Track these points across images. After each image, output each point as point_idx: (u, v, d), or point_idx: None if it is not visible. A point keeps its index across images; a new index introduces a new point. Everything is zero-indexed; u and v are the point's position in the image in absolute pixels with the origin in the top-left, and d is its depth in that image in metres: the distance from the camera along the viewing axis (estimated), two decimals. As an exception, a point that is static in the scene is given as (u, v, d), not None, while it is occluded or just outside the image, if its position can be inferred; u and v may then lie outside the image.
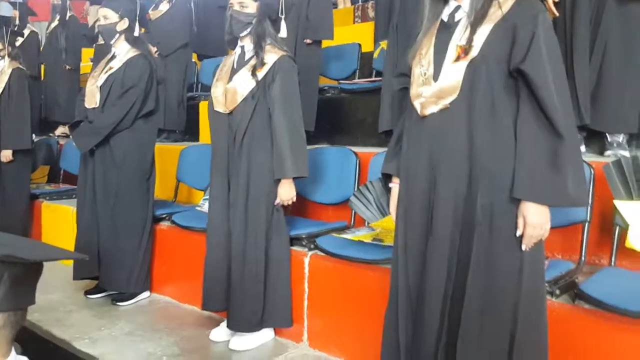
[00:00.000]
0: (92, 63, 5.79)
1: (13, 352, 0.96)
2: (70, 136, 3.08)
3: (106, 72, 2.89)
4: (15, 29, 6.01)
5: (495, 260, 1.55)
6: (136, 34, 2.94)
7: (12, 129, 3.84)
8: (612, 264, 2.01)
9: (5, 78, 3.86)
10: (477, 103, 1.58)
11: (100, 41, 5.49)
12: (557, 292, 1.82)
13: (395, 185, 1.84)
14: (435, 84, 1.63)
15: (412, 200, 1.71)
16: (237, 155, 2.38)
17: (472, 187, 1.58)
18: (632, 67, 2.64)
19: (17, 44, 4.43)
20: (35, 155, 4.36)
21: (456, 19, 1.66)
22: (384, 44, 3.98)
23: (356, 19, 6.53)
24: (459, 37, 1.62)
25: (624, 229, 1.94)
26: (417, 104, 1.68)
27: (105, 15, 2.87)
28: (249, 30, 2.40)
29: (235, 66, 2.45)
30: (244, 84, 2.37)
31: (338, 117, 3.95)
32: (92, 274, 2.97)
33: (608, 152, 2.61)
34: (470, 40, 1.59)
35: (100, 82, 2.87)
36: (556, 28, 2.67)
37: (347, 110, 3.96)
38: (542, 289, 1.63)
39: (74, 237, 3.20)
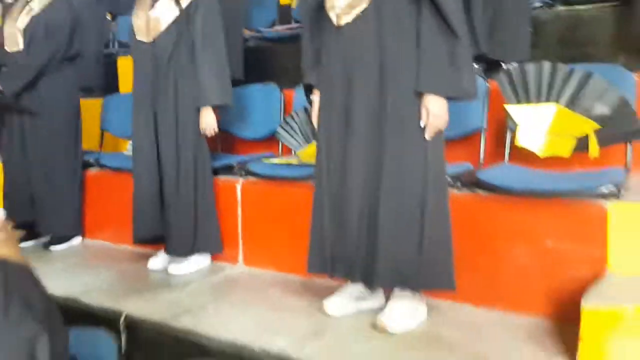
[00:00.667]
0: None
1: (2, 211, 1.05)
2: None
3: (27, 14, 2.84)
4: None
5: (405, 149, 1.78)
6: None
7: None
8: (505, 162, 2.31)
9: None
10: (385, 11, 1.78)
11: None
12: (459, 184, 2.09)
13: (316, 96, 2.02)
14: (347, -4, 1.81)
15: (331, 105, 1.90)
16: (163, 85, 2.45)
17: (383, 87, 1.79)
18: (524, 1, 2.95)
19: None
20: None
21: None
22: (301, -8, 4.12)
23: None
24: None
25: (515, 132, 2.24)
26: (332, 15, 1.85)
27: None
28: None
29: (156, -5, 2.50)
30: (167, 12, 2.44)
31: (261, 65, 4.05)
32: (25, 218, 2.95)
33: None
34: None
35: (22, 24, 2.82)
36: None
37: (270, 58, 4.07)
38: (444, 175, 1.87)
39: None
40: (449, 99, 1.77)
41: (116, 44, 5.37)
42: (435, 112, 1.74)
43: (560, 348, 1.68)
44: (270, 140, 3.07)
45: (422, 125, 1.76)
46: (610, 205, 1.79)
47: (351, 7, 1.80)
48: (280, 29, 4.31)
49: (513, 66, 2.94)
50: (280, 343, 1.76)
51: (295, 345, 1.75)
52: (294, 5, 4.45)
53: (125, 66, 4.60)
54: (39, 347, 0.89)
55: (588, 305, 1.54)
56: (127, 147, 3.35)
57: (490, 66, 3.03)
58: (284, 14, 4.61)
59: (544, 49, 3.07)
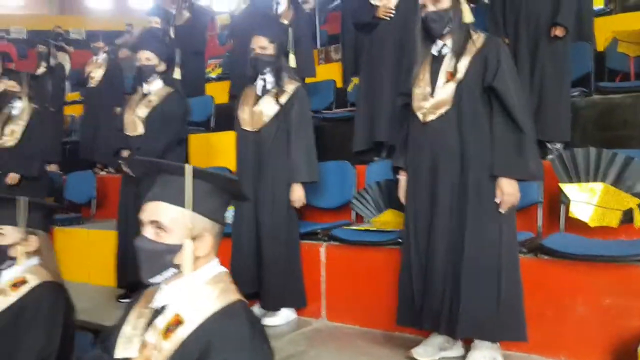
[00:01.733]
0: (83, 104, 6.18)
1: (216, 259, 1.45)
2: (121, 163, 3.47)
3: (146, 105, 3.40)
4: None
5: (483, 221, 2.19)
6: (178, 76, 3.48)
7: (25, 159, 4.27)
8: (561, 231, 2.69)
9: (26, 117, 4.30)
10: (464, 112, 2.24)
11: (91, 84, 5.95)
12: (524, 250, 2.46)
13: (403, 176, 2.46)
14: (432, 99, 2.28)
15: (419, 185, 2.33)
16: (264, 164, 2.94)
17: (464, 171, 2.23)
18: (564, 90, 3.43)
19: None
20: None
21: (443, 53, 2.33)
22: (355, 80, 4.69)
23: (320, 61, 7.24)
24: (446, 65, 2.29)
25: (568, 205, 2.63)
26: (419, 114, 2.32)
27: (148, 57, 3.39)
28: (270, 67, 3.00)
29: (259, 94, 3.03)
30: (268, 107, 2.95)
31: (322, 142, 4.54)
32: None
33: (550, 157, 3.34)
34: (455, 68, 2.26)
35: (143, 114, 3.37)
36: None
37: (328, 136, 4.57)
38: (516, 242, 2.27)
39: (88, 258, 3.68)
40: (519, 180, 2.19)
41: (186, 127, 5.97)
42: (507, 191, 2.16)
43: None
44: (342, 209, 3.50)
45: (497, 201, 2.18)
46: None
47: (435, 109, 2.27)
48: (339, 110, 4.86)
49: (556, 146, 3.40)
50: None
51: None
52: (349, 89, 5.00)
53: (194, 144, 5.15)
54: None
55: (645, 350, 1.88)
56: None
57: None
58: (340, 97, 5.17)
59: (583, 132, 3.52)
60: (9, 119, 4.42)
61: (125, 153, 3.44)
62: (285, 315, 2.97)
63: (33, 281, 1.98)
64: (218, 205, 1.41)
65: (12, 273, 2.01)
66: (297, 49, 4.32)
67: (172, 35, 5.70)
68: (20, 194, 4.10)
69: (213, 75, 7.44)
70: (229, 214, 3.60)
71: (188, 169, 1.35)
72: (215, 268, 1.43)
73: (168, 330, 1.33)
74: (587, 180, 2.60)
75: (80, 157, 5.78)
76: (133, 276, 3.36)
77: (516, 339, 2.23)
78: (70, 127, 7.03)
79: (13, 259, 2.04)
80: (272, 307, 2.93)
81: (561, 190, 2.65)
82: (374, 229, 2.99)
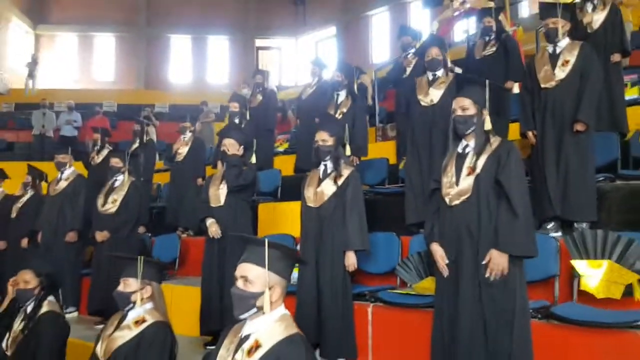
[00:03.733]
0: (170, 174, 7.10)
1: (283, 304, 2.07)
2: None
3: (225, 182, 4.19)
4: (97, 148, 7.41)
5: (498, 290, 2.68)
6: (253, 161, 4.29)
7: (119, 223, 5.18)
8: (574, 300, 3.11)
9: (125, 188, 5.21)
10: (481, 199, 2.80)
11: (177, 159, 6.86)
12: (538, 315, 2.92)
13: (435, 245, 2.98)
14: (457, 187, 2.86)
15: (449, 256, 2.87)
16: (325, 235, 3.57)
17: (480, 246, 2.75)
18: (588, 177, 3.86)
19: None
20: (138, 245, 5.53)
21: (466, 152, 2.93)
22: (407, 158, 5.29)
23: (378, 138, 7.91)
24: (468, 161, 2.88)
25: (580, 278, 3.08)
26: (447, 199, 2.90)
27: (232, 144, 4.20)
28: (329, 155, 3.70)
29: (321, 177, 3.71)
30: (328, 188, 3.63)
31: (375, 214, 5.12)
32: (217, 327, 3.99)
33: (561, 235, 3.76)
34: (475, 164, 2.84)
35: (225, 189, 4.16)
36: (532, 153, 4.00)
37: (381, 209, 5.14)
38: (527, 309, 2.74)
39: (171, 310, 4.24)
40: (521, 257, 2.69)
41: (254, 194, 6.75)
42: (494, 261, 2.67)
43: None
44: (389, 274, 4.03)
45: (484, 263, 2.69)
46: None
47: (459, 195, 2.85)
48: (391, 186, 5.47)
49: (582, 226, 3.81)
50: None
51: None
52: (401, 166, 5.60)
53: (263, 211, 5.84)
54: None
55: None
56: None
57: (565, 224, 3.90)
58: (393, 173, 5.77)
59: (608, 213, 3.91)
60: (112, 189, 5.35)
61: (209, 222, 4.17)
62: (339, 364, 3.50)
63: (150, 320, 2.66)
64: (285, 266, 2.05)
65: (135, 313, 2.70)
66: (353, 134, 5.05)
67: (248, 117, 6.58)
68: (111, 251, 4.96)
69: (281, 149, 8.29)
70: (294, 275, 4.23)
71: (266, 242, 2.00)
72: (282, 311, 2.06)
73: (250, 352, 1.95)
74: (595, 257, 3.04)
75: (166, 221, 6.62)
76: (215, 325, 4.06)
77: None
78: (157, 194, 7.98)
79: (133, 303, 2.73)
80: (331, 356, 3.47)
81: (573, 266, 3.10)
82: (415, 293, 3.52)
